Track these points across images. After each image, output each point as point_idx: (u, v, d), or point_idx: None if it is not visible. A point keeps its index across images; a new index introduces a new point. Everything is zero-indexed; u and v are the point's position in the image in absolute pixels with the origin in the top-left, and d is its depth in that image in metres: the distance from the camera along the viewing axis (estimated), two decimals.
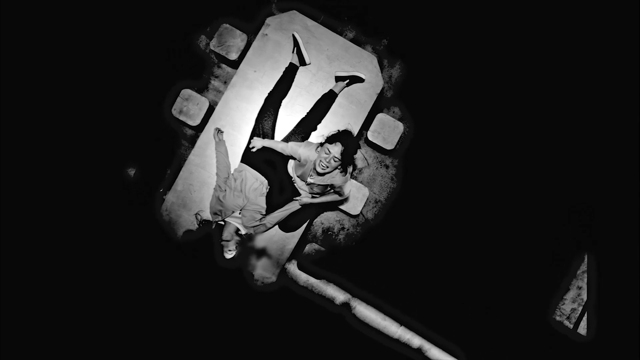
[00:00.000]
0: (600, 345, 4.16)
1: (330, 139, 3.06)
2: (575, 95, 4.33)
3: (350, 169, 3.26)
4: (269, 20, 3.77)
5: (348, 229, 4.36)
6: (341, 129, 3.13)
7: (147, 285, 4.10)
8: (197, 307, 4.12)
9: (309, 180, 3.28)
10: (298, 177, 3.36)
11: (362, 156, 4.27)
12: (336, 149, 3.00)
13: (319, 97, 3.67)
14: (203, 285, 4.04)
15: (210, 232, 3.53)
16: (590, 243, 4.36)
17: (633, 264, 3.79)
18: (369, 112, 3.81)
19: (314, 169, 3.17)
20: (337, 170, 3.17)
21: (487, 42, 4.35)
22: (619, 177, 4.18)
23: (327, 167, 3.06)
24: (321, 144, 3.13)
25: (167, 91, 4.13)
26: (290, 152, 3.27)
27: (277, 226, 3.64)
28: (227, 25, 3.85)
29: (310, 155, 3.19)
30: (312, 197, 3.41)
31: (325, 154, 3.03)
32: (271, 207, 3.43)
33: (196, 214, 3.66)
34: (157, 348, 4.05)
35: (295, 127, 3.57)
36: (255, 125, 3.54)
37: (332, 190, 3.34)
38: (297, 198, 3.41)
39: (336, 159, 3.02)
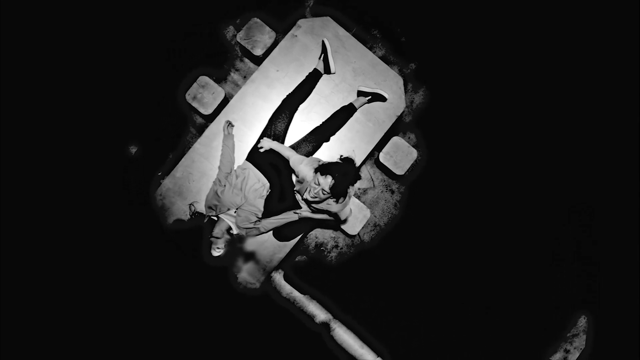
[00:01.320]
0: None
1: (322, 169, 2.77)
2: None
3: (350, 194, 3.03)
4: (301, 22, 3.64)
5: (342, 248, 4.19)
6: (343, 155, 2.86)
7: (141, 284, 3.93)
8: (178, 304, 3.93)
9: (306, 196, 3.04)
10: (296, 191, 3.14)
11: (369, 176, 4.11)
12: (326, 182, 2.70)
13: (338, 108, 3.51)
14: (187, 281, 3.85)
15: (201, 225, 3.35)
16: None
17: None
18: (385, 133, 3.66)
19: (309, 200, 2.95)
20: (331, 199, 2.95)
21: (512, 82, 4.24)
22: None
23: (316, 197, 2.81)
24: (315, 170, 2.85)
25: (183, 76, 4.00)
26: (292, 165, 3.05)
27: (270, 232, 3.46)
28: (258, 20, 3.72)
29: (308, 175, 2.94)
30: (312, 212, 3.20)
31: (315, 184, 2.76)
32: (268, 212, 3.25)
33: (190, 204, 3.48)
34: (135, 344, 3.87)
35: (307, 135, 3.41)
36: (267, 125, 3.37)
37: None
38: (298, 211, 3.18)
39: (325, 192, 2.74)
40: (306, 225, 3.50)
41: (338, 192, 2.76)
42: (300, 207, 3.23)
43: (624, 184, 4.02)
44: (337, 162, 2.79)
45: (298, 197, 3.15)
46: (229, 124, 3.48)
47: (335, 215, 3.12)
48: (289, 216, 3.20)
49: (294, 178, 3.20)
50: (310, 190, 2.83)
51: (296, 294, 4.00)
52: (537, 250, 4.25)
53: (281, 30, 3.99)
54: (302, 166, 2.98)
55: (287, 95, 3.47)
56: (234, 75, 4.20)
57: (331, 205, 2.97)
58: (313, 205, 3.02)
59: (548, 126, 4.24)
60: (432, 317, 4.17)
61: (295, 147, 3.33)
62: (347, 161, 2.79)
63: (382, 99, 3.54)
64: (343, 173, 2.71)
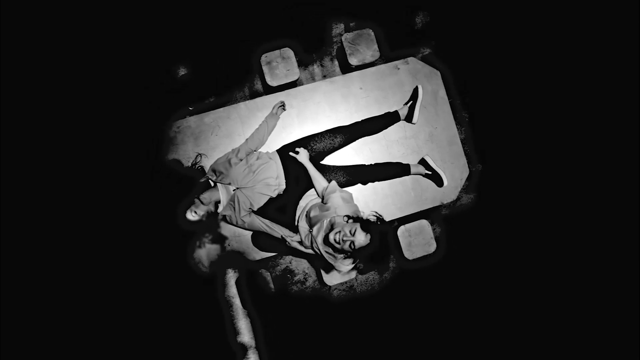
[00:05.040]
0: None
1: (365, 225, 2.30)
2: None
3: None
4: (411, 59, 3.23)
5: (307, 287, 3.68)
6: (383, 217, 2.44)
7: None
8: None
9: (316, 234, 2.51)
10: (310, 217, 2.58)
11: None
12: (362, 239, 2.25)
13: (393, 161, 3.06)
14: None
15: (195, 179, 2.84)
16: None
17: None
18: (419, 211, 3.20)
19: (328, 237, 2.39)
20: (347, 258, 2.47)
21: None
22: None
23: (338, 244, 2.30)
24: (352, 218, 2.39)
25: (271, 38, 3.59)
26: (327, 190, 2.58)
27: (250, 232, 2.99)
28: (372, 33, 3.30)
29: (339, 209, 2.46)
30: (302, 244, 2.66)
31: (350, 234, 2.26)
32: (262, 212, 2.76)
33: (200, 154, 3.01)
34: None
35: (349, 166, 2.93)
36: (321, 134, 2.91)
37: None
38: (288, 238, 2.67)
39: (352, 247, 2.27)
40: (287, 248, 2.96)
41: (363, 254, 2.33)
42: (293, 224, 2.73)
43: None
44: (379, 223, 2.36)
45: (300, 223, 2.63)
46: (282, 106, 3.04)
47: (331, 267, 2.59)
48: (275, 232, 2.71)
49: (304, 202, 2.72)
50: (335, 236, 2.30)
51: (236, 302, 3.47)
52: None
53: (385, 56, 3.60)
54: (338, 198, 2.51)
55: (357, 122, 3.03)
56: (316, 68, 3.80)
57: (341, 264, 2.49)
58: (322, 249, 2.50)
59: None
60: None
61: (328, 170, 2.85)
62: (385, 230, 2.41)
63: (439, 182, 3.08)
64: (382, 239, 2.31)
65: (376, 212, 2.45)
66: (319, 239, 2.48)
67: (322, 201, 2.61)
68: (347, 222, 2.38)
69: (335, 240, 2.29)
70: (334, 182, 2.62)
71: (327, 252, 2.49)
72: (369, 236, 2.26)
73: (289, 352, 3.59)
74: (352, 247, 2.26)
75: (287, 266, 3.67)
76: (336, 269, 2.54)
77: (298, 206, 2.71)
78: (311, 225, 2.54)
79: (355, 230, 2.26)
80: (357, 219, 2.37)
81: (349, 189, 3.03)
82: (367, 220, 2.36)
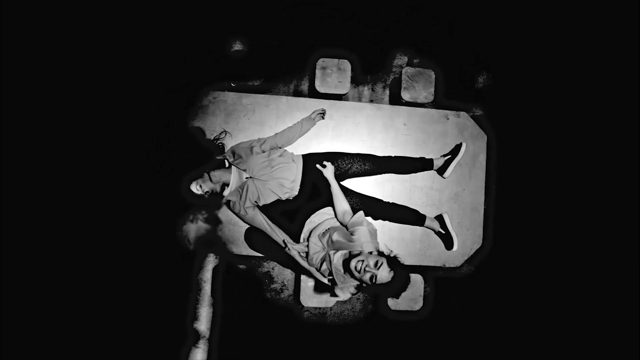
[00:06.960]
0: None
1: (392, 262, 2.14)
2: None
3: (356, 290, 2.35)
4: (463, 114, 3.09)
5: (281, 298, 3.52)
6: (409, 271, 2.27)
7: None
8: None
9: (332, 257, 2.32)
10: (333, 240, 2.37)
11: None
12: (385, 276, 2.07)
13: (411, 206, 2.90)
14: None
15: (212, 154, 2.70)
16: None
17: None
18: (419, 265, 3.04)
19: (349, 262, 2.20)
20: (354, 282, 2.25)
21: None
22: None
23: (358, 273, 2.10)
24: (382, 254, 2.19)
25: (332, 52, 3.48)
26: (353, 221, 2.39)
27: (247, 226, 2.85)
28: (432, 75, 3.17)
29: (363, 244, 2.26)
30: (301, 256, 2.50)
31: (374, 265, 2.08)
32: (266, 209, 2.62)
33: (225, 131, 2.89)
34: None
35: (365, 197, 2.77)
36: (350, 155, 2.76)
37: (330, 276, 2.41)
38: (289, 244, 2.51)
39: (372, 281, 2.07)
40: (277, 255, 2.80)
41: (378, 290, 2.19)
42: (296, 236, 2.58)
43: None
44: (405, 268, 2.18)
45: (313, 240, 2.45)
46: (322, 113, 2.91)
47: (332, 286, 2.39)
48: (276, 234, 2.56)
49: (316, 218, 2.56)
50: (358, 263, 2.11)
51: (206, 288, 3.34)
52: None
53: (437, 102, 3.47)
54: (366, 232, 2.32)
55: (390, 156, 2.89)
56: (365, 90, 3.69)
57: (346, 289, 2.32)
58: (334, 270, 2.31)
59: None
60: None
61: (345, 193, 2.66)
62: (407, 277, 2.20)
63: (449, 244, 2.92)
64: (404, 280, 2.16)
65: (396, 253, 2.25)
66: (335, 261, 2.30)
67: (347, 229, 2.43)
68: (373, 252, 2.22)
69: (356, 268, 2.10)
70: (361, 213, 2.43)
71: (338, 273, 2.31)
72: (392, 274, 2.09)
73: (239, 352, 3.43)
74: (373, 280, 2.08)
75: (268, 271, 3.50)
76: (335, 292, 2.36)
77: (309, 220, 2.55)
78: (331, 247, 2.36)
79: (381, 265, 2.09)
80: (383, 254, 2.20)
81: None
82: (395, 257, 2.19)
